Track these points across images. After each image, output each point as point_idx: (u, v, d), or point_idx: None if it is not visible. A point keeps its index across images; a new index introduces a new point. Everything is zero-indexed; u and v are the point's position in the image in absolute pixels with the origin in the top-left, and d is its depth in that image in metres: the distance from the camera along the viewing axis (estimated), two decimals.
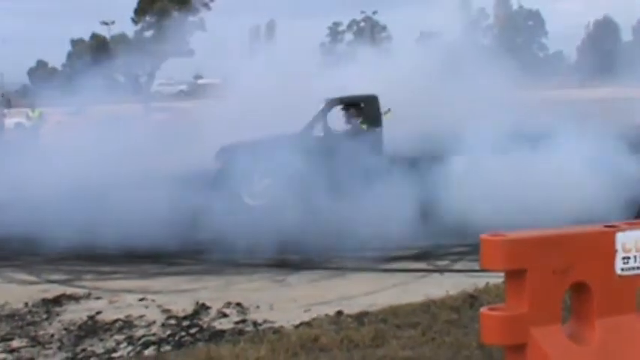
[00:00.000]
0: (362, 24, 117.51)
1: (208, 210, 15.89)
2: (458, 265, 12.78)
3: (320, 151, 19.48)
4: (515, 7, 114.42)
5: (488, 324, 5.62)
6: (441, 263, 13.11)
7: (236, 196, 19.81)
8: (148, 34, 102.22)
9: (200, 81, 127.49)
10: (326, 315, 10.10)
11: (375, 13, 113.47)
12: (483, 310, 5.79)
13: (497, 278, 9.54)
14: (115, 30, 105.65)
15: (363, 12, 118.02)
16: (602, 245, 5.63)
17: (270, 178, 20.12)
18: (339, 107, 22.20)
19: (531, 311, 5.25)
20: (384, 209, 15.91)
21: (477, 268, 10.15)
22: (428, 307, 10.09)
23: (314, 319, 9.91)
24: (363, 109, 21.83)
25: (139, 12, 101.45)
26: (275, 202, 18.89)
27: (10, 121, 62.70)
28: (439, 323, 9.34)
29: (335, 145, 19.77)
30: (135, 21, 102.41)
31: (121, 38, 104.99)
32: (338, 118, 22.04)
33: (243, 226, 15.32)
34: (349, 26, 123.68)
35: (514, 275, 5.27)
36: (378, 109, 21.54)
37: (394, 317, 9.77)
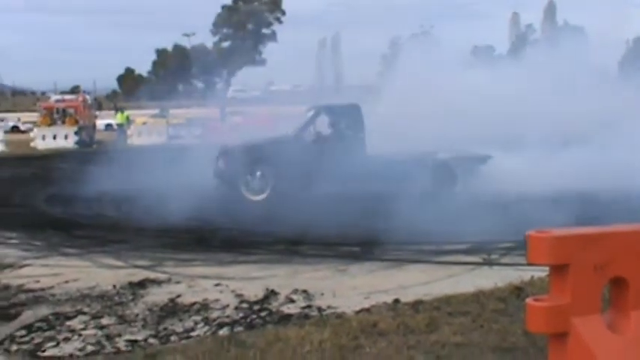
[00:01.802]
0: (420, 38, 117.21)
1: None
2: (505, 259, 12.71)
3: (310, 152, 21.55)
4: (560, 23, 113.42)
5: (533, 313, 5.59)
6: (490, 257, 13.04)
7: (236, 191, 21.89)
8: (225, 44, 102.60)
9: (272, 88, 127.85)
10: (384, 302, 10.11)
11: (432, 27, 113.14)
12: (529, 300, 5.76)
13: (541, 272, 9.50)
14: (196, 41, 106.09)
15: (421, 26, 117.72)
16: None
17: (265, 176, 22.07)
18: (325, 114, 23.65)
19: (573, 302, 5.23)
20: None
21: (523, 262, 10.17)
22: (477, 297, 10.09)
23: (373, 306, 9.94)
24: (348, 116, 23.08)
25: (217, 25, 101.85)
26: (271, 197, 21.60)
27: (100, 123, 63.38)
28: (487, 312, 9.33)
29: (322, 147, 21.77)
30: (213, 33, 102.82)
31: (201, 48, 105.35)
32: (324, 123, 23.37)
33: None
34: (409, 40, 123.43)
35: (558, 269, 5.24)
36: (360, 116, 22.82)
37: (447, 306, 9.77)
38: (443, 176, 21.43)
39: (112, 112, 68.31)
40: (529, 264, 5.82)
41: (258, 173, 22.22)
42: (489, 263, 12.56)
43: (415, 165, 21.02)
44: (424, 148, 21.92)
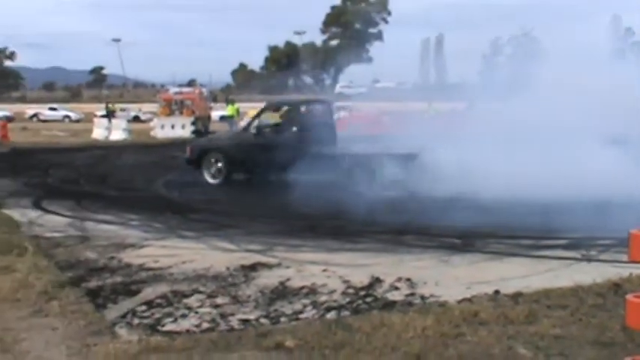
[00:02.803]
0: (520, 39, 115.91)
1: None
2: (604, 256, 12.48)
3: (252, 144, 23.85)
4: None
5: (633, 309, 5.51)
6: (589, 253, 12.83)
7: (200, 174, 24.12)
8: (334, 43, 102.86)
9: (377, 85, 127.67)
10: (485, 293, 10.02)
11: (532, 29, 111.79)
12: (629, 296, 5.68)
13: (639, 269, 9.36)
14: (306, 39, 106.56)
15: (522, 28, 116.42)
16: None
17: (220, 164, 24.12)
18: (271, 110, 27.26)
19: None
20: None
21: (622, 259, 9.99)
22: (576, 291, 9.93)
23: (474, 296, 9.86)
24: (292, 112, 25.62)
25: (327, 24, 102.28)
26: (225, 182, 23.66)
27: (215, 114, 63.96)
28: (586, 306, 9.19)
29: (263, 139, 23.82)
30: (323, 31, 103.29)
31: (311, 46, 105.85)
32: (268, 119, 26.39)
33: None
34: (509, 41, 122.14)
35: None
36: (309, 112, 25.94)
37: (546, 299, 9.65)
38: (358, 171, 21.70)
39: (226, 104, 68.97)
40: (630, 261, 5.73)
41: (212, 160, 24.28)
42: (588, 259, 12.35)
43: (332, 159, 22.07)
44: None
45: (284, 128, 24.56)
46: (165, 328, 8.91)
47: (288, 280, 11.08)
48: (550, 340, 8.09)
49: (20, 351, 8.07)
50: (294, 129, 24.07)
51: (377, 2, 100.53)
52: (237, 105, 56.49)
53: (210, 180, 24.00)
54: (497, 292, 10.08)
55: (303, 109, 25.85)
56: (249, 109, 73.38)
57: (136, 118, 75.44)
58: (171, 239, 14.51)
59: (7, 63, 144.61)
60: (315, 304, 9.87)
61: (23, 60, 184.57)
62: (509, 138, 20.60)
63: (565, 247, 13.18)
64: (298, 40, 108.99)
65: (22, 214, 17.56)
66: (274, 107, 27.98)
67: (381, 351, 7.78)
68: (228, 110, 53.97)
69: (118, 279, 11.23)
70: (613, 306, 9.00)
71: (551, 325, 8.53)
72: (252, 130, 24.41)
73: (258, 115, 25.32)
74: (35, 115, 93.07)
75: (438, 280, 10.96)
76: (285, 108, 26.81)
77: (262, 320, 9.20)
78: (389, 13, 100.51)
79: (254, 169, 24.04)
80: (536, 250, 13.12)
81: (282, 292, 10.48)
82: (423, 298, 10.07)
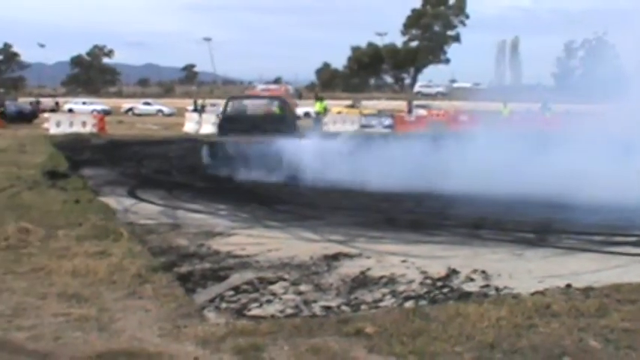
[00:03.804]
0: (593, 43, 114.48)
1: None
2: None
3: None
4: None
5: None
6: None
7: None
8: (414, 44, 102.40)
9: (455, 85, 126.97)
10: (557, 286, 9.91)
11: (605, 33, 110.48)
12: None
13: None
14: (387, 40, 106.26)
15: (595, 32, 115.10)
16: None
17: None
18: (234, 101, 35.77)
19: None
20: None
21: None
22: None
23: (547, 289, 9.76)
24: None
25: (407, 26, 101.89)
26: None
27: (300, 110, 64.24)
28: None
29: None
30: (403, 33, 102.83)
31: (391, 47, 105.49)
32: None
33: None
34: (582, 44, 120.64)
35: None
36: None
37: (616, 293, 9.55)
38: (218, 155, 25.61)
39: (310, 101, 69.13)
40: None
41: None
42: None
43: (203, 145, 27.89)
44: None
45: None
46: (251, 313, 8.97)
47: (368, 269, 11.07)
48: (619, 333, 8.02)
49: (116, 330, 8.20)
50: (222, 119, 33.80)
51: (455, 6, 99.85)
52: (325, 102, 56.65)
53: None
54: (569, 285, 9.98)
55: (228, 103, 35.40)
56: (333, 106, 73.75)
57: None
58: (257, 228, 14.59)
59: (106, 60, 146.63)
60: (394, 293, 9.86)
61: (120, 57, 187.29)
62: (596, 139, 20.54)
63: (635, 244, 13.02)
64: (380, 41, 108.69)
65: (117, 202, 17.84)
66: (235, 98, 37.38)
67: (457, 339, 7.77)
68: (316, 107, 54.18)
69: (207, 265, 11.33)
70: None
71: (621, 319, 8.45)
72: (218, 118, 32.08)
73: (225, 106, 34.95)
74: (130, 109, 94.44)
75: (512, 273, 10.89)
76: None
77: (343, 307, 9.22)
78: (467, 16, 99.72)
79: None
80: (607, 246, 12.98)
81: (362, 281, 10.48)
82: (497, 289, 10.01)
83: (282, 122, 32.03)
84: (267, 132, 27.15)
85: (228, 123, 33.75)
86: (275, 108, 36.35)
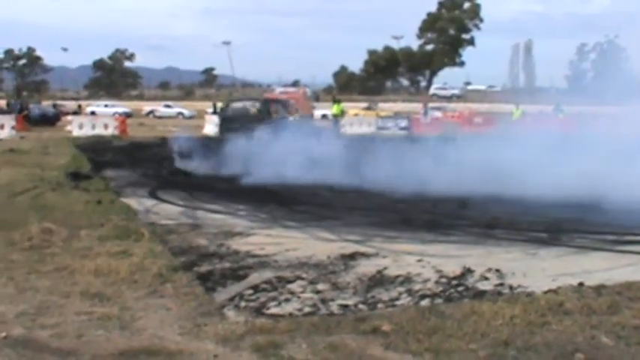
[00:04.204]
0: (605, 46, 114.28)
1: None
2: None
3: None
4: None
5: None
6: None
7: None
8: (429, 47, 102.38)
9: (469, 87, 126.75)
10: (570, 285, 9.91)
11: (616, 36, 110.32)
12: None
13: None
14: (403, 43, 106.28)
15: (606, 35, 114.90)
16: None
17: None
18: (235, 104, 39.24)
19: None
20: None
21: None
22: None
23: (559, 288, 9.75)
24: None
25: (423, 30, 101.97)
26: None
27: (317, 113, 64.28)
28: None
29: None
30: (419, 36, 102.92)
31: (407, 50, 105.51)
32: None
33: None
34: (594, 47, 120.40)
35: None
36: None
37: (628, 291, 9.56)
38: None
39: (328, 104, 69.16)
40: None
41: None
42: None
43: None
44: None
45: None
46: (270, 311, 9.00)
47: (385, 269, 11.09)
48: (631, 330, 8.05)
49: (137, 328, 8.24)
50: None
51: (470, 10, 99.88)
52: (342, 105, 56.69)
53: None
54: (581, 284, 9.98)
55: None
56: (350, 108, 73.75)
57: None
58: (275, 228, 14.61)
59: (127, 63, 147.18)
60: (410, 292, 9.87)
61: (141, 60, 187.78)
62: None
63: None
64: (396, 45, 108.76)
65: (139, 202, 17.90)
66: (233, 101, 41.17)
67: (471, 337, 7.79)
68: (334, 109, 54.13)
69: (227, 264, 11.37)
70: None
71: (632, 316, 8.49)
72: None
73: (224, 107, 39.49)
74: (151, 111, 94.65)
75: (526, 272, 10.89)
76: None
77: (360, 306, 9.24)
78: (481, 20, 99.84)
79: None
80: (619, 245, 12.96)
81: (379, 280, 10.50)
82: (511, 288, 10.02)
83: (260, 120, 33.52)
84: (247, 129, 28.53)
85: (226, 122, 37.62)
86: (255, 109, 38.78)
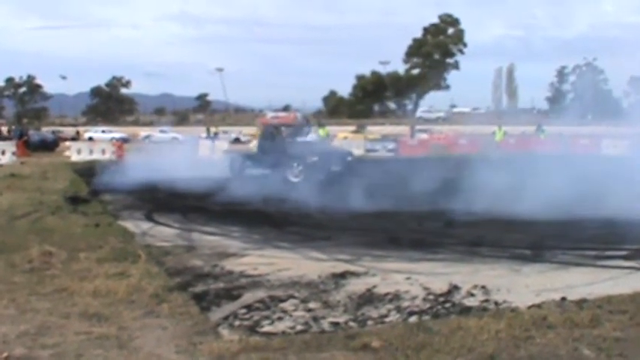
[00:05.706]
0: (583, 68, 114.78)
1: None
2: None
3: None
4: None
5: None
6: None
7: None
8: (415, 72, 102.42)
9: (455, 110, 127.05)
10: (553, 299, 9.98)
11: (595, 59, 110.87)
12: None
13: None
14: (390, 68, 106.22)
15: (585, 58, 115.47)
16: None
17: None
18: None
19: None
20: None
21: None
22: (635, 298, 9.96)
23: (543, 302, 9.81)
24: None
25: (409, 55, 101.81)
26: None
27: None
28: None
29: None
30: (405, 61, 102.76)
31: (394, 75, 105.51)
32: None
33: None
34: (573, 70, 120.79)
35: None
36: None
37: (608, 304, 9.62)
38: None
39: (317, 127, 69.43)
40: None
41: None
42: None
43: None
44: None
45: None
46: (263, 330, 9.02)
47: (374, 287, 11.11)
48: (611, 342, 8.10)
49: (134, 347, 8.24)
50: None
51: (454, 35, 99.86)
52: (327, 128, 57.14)
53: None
54: (563, 298, 10.04)
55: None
56: (339, 132, 73.89)
57: (237, 140, 76.13)
58: (268, 249, 14.61)
59: (123, 90, 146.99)
60: (398, 309, 9.91)
61: (137, 87, 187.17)
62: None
63: (625, 258, 13.07)
64: (383, 70, 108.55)
65: (135, 225, 17.90)
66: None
67: (458, 352, 7.82)
68: (320, 133, 54.55)
69: (221, 284, 11.38)
70: None
71: (613, 329, 8.55)
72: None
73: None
74: (147, 136, 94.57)
75: (510, 288, 10.94)
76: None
77: (351, 323, 9.27)
78: (465, 45, 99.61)
79: None
80: (599, 260, 13.04)
81: (368, 297, 10.53)
82: (496, 303, 10.06)
83: None
84: None
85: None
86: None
